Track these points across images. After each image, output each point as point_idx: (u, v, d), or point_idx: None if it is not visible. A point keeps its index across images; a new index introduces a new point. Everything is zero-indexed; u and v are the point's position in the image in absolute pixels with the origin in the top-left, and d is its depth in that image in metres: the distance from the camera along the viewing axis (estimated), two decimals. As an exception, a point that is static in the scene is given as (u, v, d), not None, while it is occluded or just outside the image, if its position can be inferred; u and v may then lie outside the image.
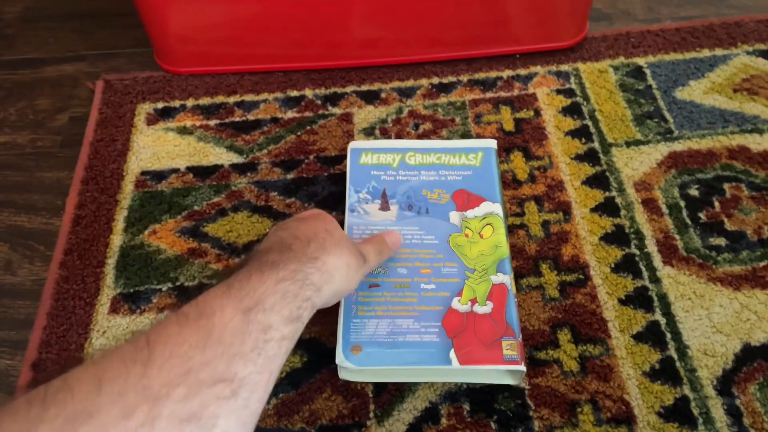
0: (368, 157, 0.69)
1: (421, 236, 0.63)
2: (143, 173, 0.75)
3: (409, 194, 0.66)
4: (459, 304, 0.58)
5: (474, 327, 0.57)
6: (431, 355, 0.56)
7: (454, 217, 0.64)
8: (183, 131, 0.78)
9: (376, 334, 0.57)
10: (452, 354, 0.55)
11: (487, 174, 0.67)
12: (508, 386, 0.58)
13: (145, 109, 0.81)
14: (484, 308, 0.58)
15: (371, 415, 0.57)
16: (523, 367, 0.55)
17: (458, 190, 0.66)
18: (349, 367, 0.56)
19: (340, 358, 0.56)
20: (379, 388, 0.59)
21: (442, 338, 0.56)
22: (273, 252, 0.42)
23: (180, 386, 0.30)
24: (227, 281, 0.38)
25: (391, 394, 0.58)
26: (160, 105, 0.82)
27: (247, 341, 0.34)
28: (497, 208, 0.64)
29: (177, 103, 0.82)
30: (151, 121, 0.80)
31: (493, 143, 0.70)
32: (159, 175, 0.74)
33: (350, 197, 0.66)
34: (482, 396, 0.58)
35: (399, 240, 0.62)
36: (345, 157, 0.73)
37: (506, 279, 0.60)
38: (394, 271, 0.61)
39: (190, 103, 0.81)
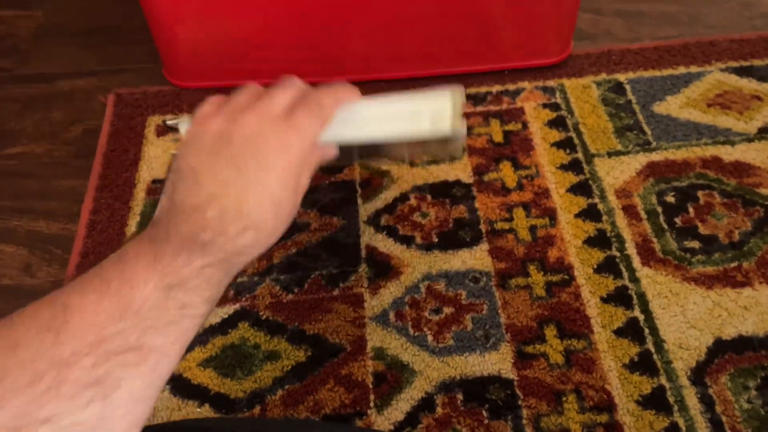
0: None
1: None
2: (154, 181, 0.79)
3: None
4: None
5: None
6: None
7: None
8: (191, 142, 0.83)
9: None
10: None
11: None
12: (498, 377, 0.63)
13: (154, 121, 0.86)
14: None
15: (371, 404, 0.62)
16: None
17: None
18: None
19: None
20: (379, 379, 0.63)
21: None
22: (207, 229, 0.37)
23: (89, 355, 0.31)
24: (154, 248, 0.36)
25: (390, 385, 0.63)
26: (169, 117, 0.86)
27: (164, 316, 0.35)
28: None
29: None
30: (160, 132, 0.85)
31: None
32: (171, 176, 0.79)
33: None
34: (475, 387, 0.62)
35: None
36: (344, 167, 0.78)
37: None
38: None
39: (197, 115, 0.86)
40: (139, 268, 0.35)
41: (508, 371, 0.63)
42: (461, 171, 0.79)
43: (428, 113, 0.51)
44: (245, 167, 0.40)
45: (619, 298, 0.68)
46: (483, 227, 0.73)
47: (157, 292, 0.35)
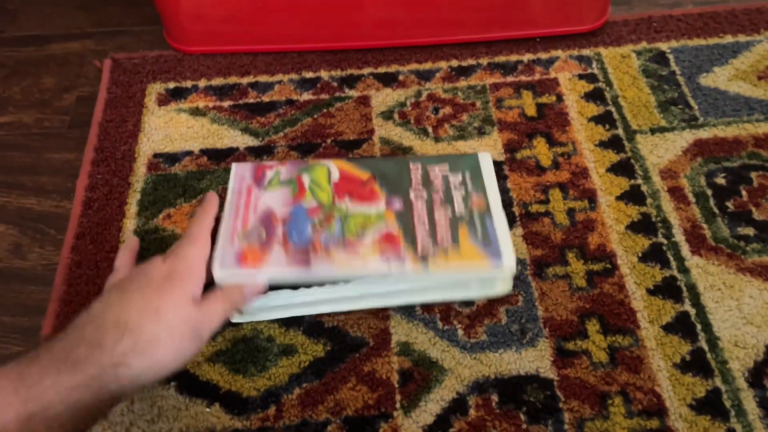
0: None
1: None
2: (156, 155, 0.73)
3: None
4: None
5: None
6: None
7: None
8: (196, 112, 0.76)
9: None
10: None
11: None
12: (536, 376, 0.57)
13: (155, 89, 0.79)
14: None
15: (397, 405, 0.56)
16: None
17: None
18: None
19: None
20: (405, 377, 0.57)
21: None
22: (82, 344, 0.40)
23: None
24: (21, 369, 0.36)
25: (417, 384, 0.57)
26: (171, 85, 0.79)
27: None
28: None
29: (189, 84, 0.79)
30: (162, 101, 0.78)
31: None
32: (172, 158, 0.72)
33: None
34: (511, 387, 0.57)
35: (259, 287, 0.55)
36: (364, 141, 0.71)
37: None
38: None
39: (202, 83, 0.79)
40: (1, 388, 0.35)
41: (547, 370, 0.57)
42: (491, 148, 0.72)
43: (476, 282, 0.54)
44: (141, 299, 0.44)
45: (667, 289, 0.62)
46: (516, 210, 0.67)
47: (14, 424, 0.34)
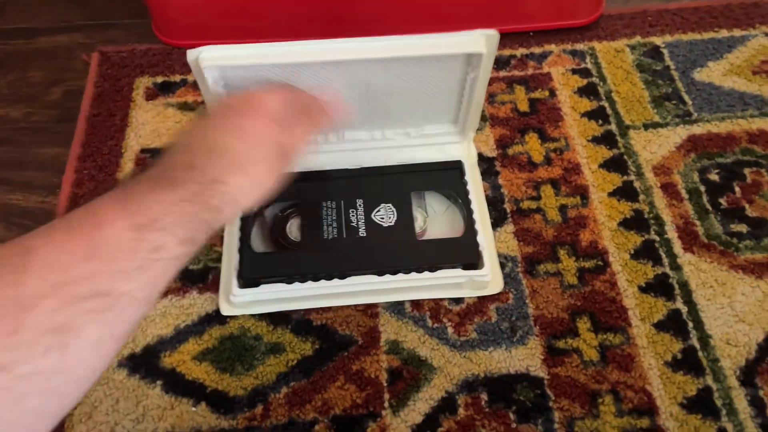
0: None
1: None
2: (143, 150, 0.72)
3: None
4: None
5: None
6: None
7: None
8: (185, 107, 0.75)
9: None
10: None
11: None
12: (526, 375, 0.56)
13: (143, 83, 0.78)
14: None
15: (386, 404, 0.55)
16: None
17: None
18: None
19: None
20: (394, 376, 0.57)
21: None
22: (176, 168, 0.39)
23: (51, 297, 0.29)
24: (125, 190, 0.36)
25: (406, 383, 0.56)
26: (159, 79, 0.78)
27: (134, 259, 0.33)
28: None
29: (177, 78, 0.78)
30: (150, 96, 0.77)
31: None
32: (160, 153, 0.71)
33: None
34: (501, 386, 0.56)
35: (341, 107, 0.53)
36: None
37: None
38: None
39: (191, 78, 0.78)
40: (107, 208, 0.34)
41: (538, 368, 0.57)
42: (483, 143, 0.71)
43: (468, 283, 0.55)
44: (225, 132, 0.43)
45: (659, 287, 0.61)
46: (508, 206, 0.66)
47: (127, 232, 0.33)
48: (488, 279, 0.59)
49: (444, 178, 0.65)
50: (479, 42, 0.54)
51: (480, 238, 0.60)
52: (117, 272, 0.32)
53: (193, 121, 0.47)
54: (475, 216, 0.61)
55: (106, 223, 0.33)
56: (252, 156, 0.42)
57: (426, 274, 0.58)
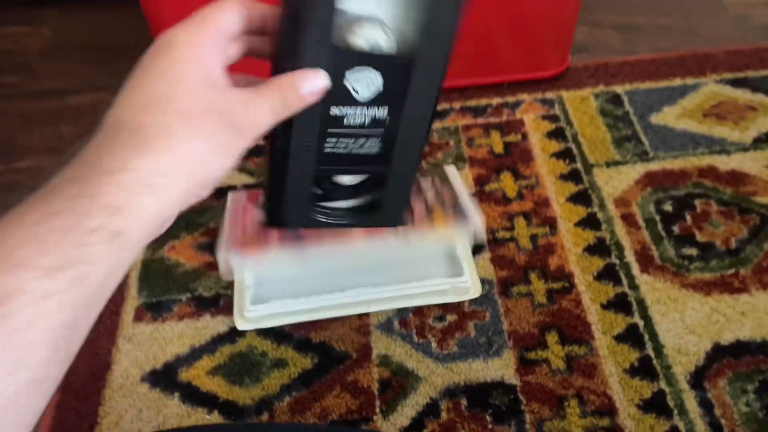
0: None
1: None
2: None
3: None
4: None
5: None
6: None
7: None
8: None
9: None
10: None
11: None
12: (501, 383, 0.64)
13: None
14: None
15: (377, 410, 0.63)
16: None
17: None
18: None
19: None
20: (384, 386, 0.64)
21: None
22: (67, 169, 0.30)
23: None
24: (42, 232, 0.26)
25: (395, 392, 0.64)
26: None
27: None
28: None
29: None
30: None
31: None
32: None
33: None
34: (478, 392, 0.63)
35: (322, 85, 0.35)
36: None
37: None
38: None
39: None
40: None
41: (511, 377, 0.64)
42: (462, 181, 0.80)
43: (452, 290, 0.65)
44: None
45: (618, 304, 0.69)
46: (485, 236, 0.75)
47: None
48: (469, 285, 0.67)
49: None
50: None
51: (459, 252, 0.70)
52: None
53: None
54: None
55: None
56: (174, 126, 0.30)
57: (414, 283, 0.67)
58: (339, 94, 0.36)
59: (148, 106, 0.31)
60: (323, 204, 0.43)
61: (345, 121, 0.38)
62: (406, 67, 0.37)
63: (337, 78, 0.35)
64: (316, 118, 0.37)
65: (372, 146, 0.40)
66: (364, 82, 0.36)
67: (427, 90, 0.39)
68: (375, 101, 0.37)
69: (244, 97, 0.33)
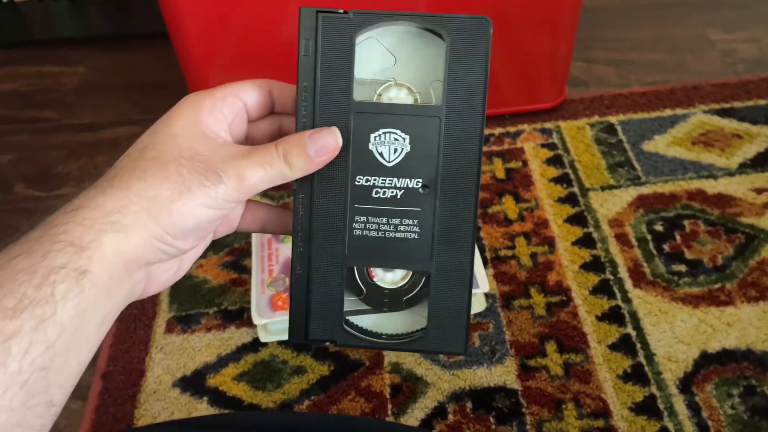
0: None
1: None
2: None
3: None
4: None
5: None
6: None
7: None
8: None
9: None
10: None
11: None
12: (504, 387, 0.69)
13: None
14: None
15: (389, 413, 0.68)
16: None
17: None
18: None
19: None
20: (396, 390, 0.70)
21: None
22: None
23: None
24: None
25: (405, 396, 0.69)
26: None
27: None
28: None
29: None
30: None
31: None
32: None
33: None
34: (482, 396, 0.69)
35: (333, 144, 0.33)
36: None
37: None
38: None
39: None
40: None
41: (513, 382, 0.70)
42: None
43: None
44: None
45: (612, 316, 0.74)
46: (488, 254, 0.81)
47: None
48: (474, 300, 0.73)
49: None
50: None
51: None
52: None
53: None
54: None
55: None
56: (150, 167, 0.31)
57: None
58: (363, 159, 0.33)
59: (132, 153, 0.32)
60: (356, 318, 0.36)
61: (374, 193, 0.33)
62: (435, 126, 0.33)
63: (360, 141, 0.33)
64: (340, 191, 0.33)
65: (409, 229, 0.34)
66: (391, 146, 0.33)
67: (464, 156, 0.33)
68: (405, 168, 0.33)
69: (237, 150, 0.32)
